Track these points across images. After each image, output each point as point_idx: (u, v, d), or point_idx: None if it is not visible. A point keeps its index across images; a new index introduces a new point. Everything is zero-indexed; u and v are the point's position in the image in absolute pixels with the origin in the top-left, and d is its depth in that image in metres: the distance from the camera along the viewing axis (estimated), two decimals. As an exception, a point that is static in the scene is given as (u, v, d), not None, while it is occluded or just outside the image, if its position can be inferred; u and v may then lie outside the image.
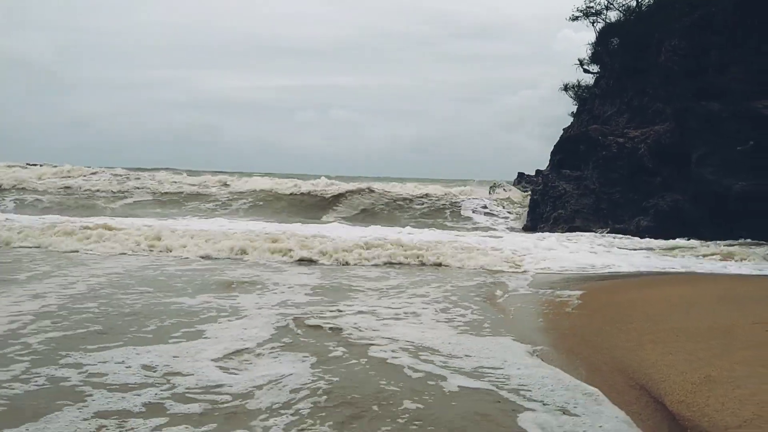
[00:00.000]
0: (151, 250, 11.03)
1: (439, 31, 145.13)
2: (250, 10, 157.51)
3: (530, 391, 3.82)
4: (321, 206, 23.35)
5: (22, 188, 24.16)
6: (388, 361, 4.34)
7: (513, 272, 10.11)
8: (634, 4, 23.07)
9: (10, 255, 9.99)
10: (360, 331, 5.31)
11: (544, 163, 24.51)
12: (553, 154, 22.80)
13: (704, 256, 11.87)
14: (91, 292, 6.79)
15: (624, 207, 16.88)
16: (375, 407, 3.29)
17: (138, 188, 24.92)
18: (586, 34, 35.19)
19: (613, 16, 23.75)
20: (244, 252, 10.93)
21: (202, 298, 6.64)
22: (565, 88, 26.38)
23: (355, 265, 10.41)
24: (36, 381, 3.58)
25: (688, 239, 14.17)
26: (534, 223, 19.51)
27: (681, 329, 5.15)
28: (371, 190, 25.01)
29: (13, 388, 3.43)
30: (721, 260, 11.31)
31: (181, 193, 24.83)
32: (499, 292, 8.20)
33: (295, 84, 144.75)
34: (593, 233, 16.31)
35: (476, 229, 19.77)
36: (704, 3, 17.09)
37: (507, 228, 20.46)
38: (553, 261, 10.95)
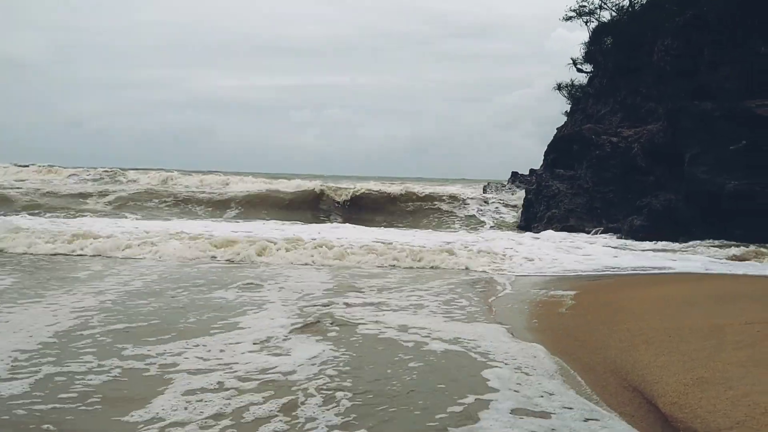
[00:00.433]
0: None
1: (435, 31, 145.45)
2: (246, 10, 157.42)
3: (495, 355, 4.93)
4: (308, 205, 23.16)
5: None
6: (385, 337, 5.53)
7: (499, 273, 10.07)
8: (626, 3, 23.15)
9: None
10: (366, 317, 6.24)
11: (538, 162, 24.57)
12: (546, 153, 22.84)
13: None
14: (146, 287, 7.67)
15: (617, 206, 16.92)
16: (383, 366, 4.58)
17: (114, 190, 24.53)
18: (580, 34, 35.38)
19: (606, 15, 23.84)
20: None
21: (235, 293, 7.47)
22: (559, 87, 26.45)
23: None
24: (126, 368, 4.26)
25: (679, 240, 14.23)
26: (528, 223, 19.53)
27: (673, 329, 5.16)
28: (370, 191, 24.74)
29: (113, 377, 4.07)
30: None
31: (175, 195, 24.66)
32: (486, 293, 8.21)
33: (292, 83, 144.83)
34: (585, 234, 16.36)
35: (469, 228, 19.78)
36: (696, 2, 17.14)
37: (494, 228, 20.48)
38: (541, 262, 10.98)
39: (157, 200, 22.64)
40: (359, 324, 5.91)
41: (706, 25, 16.32)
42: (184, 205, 22.36)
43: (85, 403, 3.54)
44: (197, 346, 4.89)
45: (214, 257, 10.67)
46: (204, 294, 7.30)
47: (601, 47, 22.82)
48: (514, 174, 31.19)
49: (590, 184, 17.92)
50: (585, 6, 24.08)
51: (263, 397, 3.73)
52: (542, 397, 3.97)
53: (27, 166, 30.51)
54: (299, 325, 5.70)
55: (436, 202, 24.12)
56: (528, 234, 17.70)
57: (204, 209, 21.86)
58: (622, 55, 20.40)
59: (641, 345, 4.88)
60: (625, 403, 4.06)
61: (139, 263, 9.90)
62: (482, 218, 22.46)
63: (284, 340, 5.18)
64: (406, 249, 11.40)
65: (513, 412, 3.68)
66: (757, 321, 5.06)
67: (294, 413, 3.48)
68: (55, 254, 10.52)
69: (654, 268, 10.38)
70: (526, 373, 4.46)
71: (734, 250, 12.31)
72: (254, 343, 5.01)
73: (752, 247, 12.54)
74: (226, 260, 10.48)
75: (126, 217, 18.29)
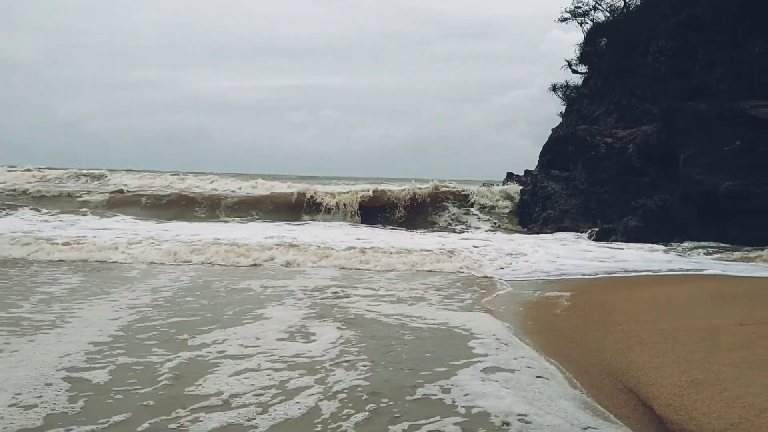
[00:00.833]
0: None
1: (430, 31, 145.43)
2: (243, 11, 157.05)
3: (478, 330, 5.98)
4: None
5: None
6: (388, 322, 6.39)
7: (492, 274, 10.09)
8: (621, 4, 23.23)
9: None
10: (370, 306, 7.16)
11: (533, 163, 24.58)
12: (542, 154, 22.89)
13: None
14: (193, 282, 8.61)
15: (613, 207, 16.96)
16: (391, 342, 5.58)
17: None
18: (575, 35, 35.47)
19: (601, 16, 23.92)
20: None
21: (261, 283, 8.55)
22: (554, 88, 26.47)
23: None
24: (189, 353, 4.94)
25: (676, 241, 14.28)
26: (523, 224, 19.56)
27: (668, 330, 5.18)
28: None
29: (176, 362, 4.67)
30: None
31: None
32: (479, 295, 8.23)
33: (287, 84, 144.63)
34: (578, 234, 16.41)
35: (461, 230, 19.77)
36: (691, 3, 17.21)
37: (490, 230, 20.45)
38: (536, 263, 11.02)
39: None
40: (367, 312, 6.81)
41: (702, 25, 16.39)
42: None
43: (157, 382, 4.14)
44: (235, 333, 5.67)
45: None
46: (238, 287, 8.25)
47: (595, 48, 22.89)
48: (510, 175, 31.16)
49: (585, 185, 17.96)
50: (580, 7, 24.17)
51: (298, 373, 4.51)
52: (515, 359, 4.97)
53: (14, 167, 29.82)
54: (317, 315, 6.57)
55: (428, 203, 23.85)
56: (524, 235, 17.76)
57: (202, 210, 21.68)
58: (617, 56, 20.46)
59: (636, 346, 4.90)
60: (620, 405, 4.08)
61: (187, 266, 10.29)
62: (477, 220, 22.40)
63: (308, 326, 6.07)
64: (403, 251, 11.45)
65: (484, 370, 4.67)
66: (751, 322, 5.08)
67: (326, 379, 4.37)
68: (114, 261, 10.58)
69: (649, 269, 10.41)
70: (506, 344, 5.47)
71: (729, 255, 12.37)
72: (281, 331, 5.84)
73: (745, 250, 12.61)
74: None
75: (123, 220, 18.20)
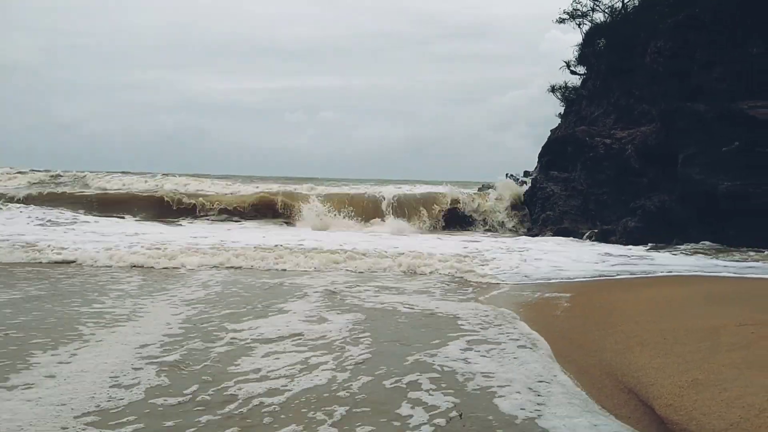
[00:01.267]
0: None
1: (429, 32, 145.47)
2: (240, 12, 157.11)
3: (470, 318, 6.81)
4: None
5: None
6: (389, 309, 7.41)
7: (491, 276, 10.08)
8: (619, 5, 23.24)
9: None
10: (374, 297, 8.13)
11: (532, 164, 24.59)
12: (540, 155, 22.87)
13: None
14: (232, 277, 9.54)
15: (612, 208, 16.96)
16: (389, 324, 6.57)
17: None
18: (574, 35, 35.46)
19: (599, 17, 23.93)
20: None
21: (278, 280, 9.37)
22: (552, 89, 26.47)
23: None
24: (231, 339, 5.72)
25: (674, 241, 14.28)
26: (522, 225, 19.58)
27: (668, 331, 5.18)
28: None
29: (225, 345, 5.47)
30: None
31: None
32: (477, 295, 8.25)
33: (286, 85, 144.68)
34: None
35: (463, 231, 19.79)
36: (689, 4, 17.22)
37: (489, 230, 20.47)
38: (535, 265, 11.03)
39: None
40: (370, 301, 7.84)
41: (702, 25, 16.40)
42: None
43: (211, 361, 4.95)
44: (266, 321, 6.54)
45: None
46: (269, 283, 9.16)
47: (593, 49, 22.89)
48: (509, 176, 31.18)
49: (584, 186, 17.97)
50: (578, 9, 24.17)
51: (320, 350, 5.36)
52: (501, 334, 5.99)
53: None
54: (329, 303, 7.53)
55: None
56: (523, 236, 17.78)
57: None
58: (615, 57, 20.46)
59: (636, 347, 4.90)
60: (620, 405, 4.08)
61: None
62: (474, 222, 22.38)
63: (323, 315, 6.85)
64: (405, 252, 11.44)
65: (469, 342, 5.67)
66: (750, 322, 5.09)
67: (340, 355, 5.18)
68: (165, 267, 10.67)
69: (648, 270, 10.42)
70: (490, 322, 6.50)
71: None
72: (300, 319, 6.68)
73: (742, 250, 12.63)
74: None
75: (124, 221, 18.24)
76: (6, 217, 17.33)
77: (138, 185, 24.78)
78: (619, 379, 4.43)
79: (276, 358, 5.05)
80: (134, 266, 10.36)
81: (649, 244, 14.28)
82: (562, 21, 24.77)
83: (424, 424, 3.63)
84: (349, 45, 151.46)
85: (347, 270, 10.49)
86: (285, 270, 10.41)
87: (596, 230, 16.25)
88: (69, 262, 10.51)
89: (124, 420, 3.44)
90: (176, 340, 5.58)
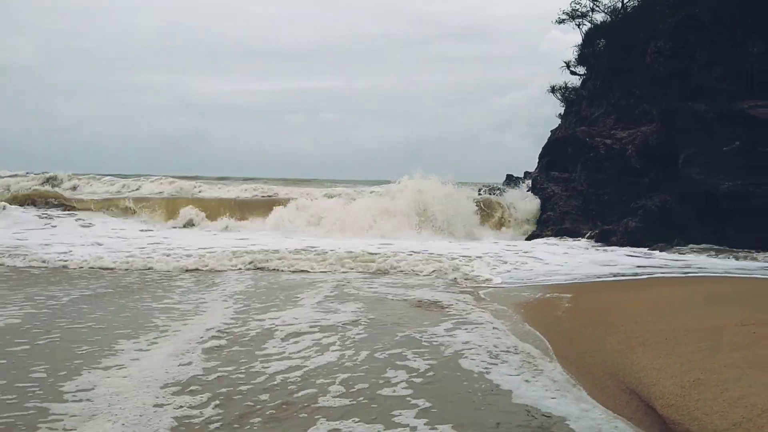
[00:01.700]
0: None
1: (428, 33, 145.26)
2: (238, 14, 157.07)
3: (458, 305, 7.81)
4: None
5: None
6: (389, 298, 8.37)
7: (491, 278, 10.08)
8: (619, 5, 23.25)
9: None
10: (377, 291, 8.96)
11: (532, 165, 24.60)
12: (541, 156, 22.89)
13: None
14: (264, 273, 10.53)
15: (612, 208, 16.96)
16: (388, 311, 7.47)
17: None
18: (574, 35, 35.48)
19: (598, 18, 23.94)
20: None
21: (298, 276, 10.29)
22: (552, 89, 26.50)
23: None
24: (257, 326, 6.55)
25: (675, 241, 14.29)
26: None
27: (670, 331, 5.18)
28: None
29: (255, 331, 6.32)
30: None
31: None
32: (475, 296, 8.25)
33: (284, 87, 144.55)
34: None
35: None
36: (689, 3, 17.22)
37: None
38: (535, 267, 11.02)
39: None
40: (371, 290, 8.88)
41: (702, 25, 16.39)
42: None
43: (244, 344, 5.80)
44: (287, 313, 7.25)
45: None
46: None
47: (593, 50, 22.91)
48: (509, 176, 31.20)
49: (585, 186, 17.97)
50: (577, 9, 24.20)
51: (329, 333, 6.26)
52: (479, 318, 6.89)
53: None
54: (338, 295, 8.45)
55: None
56: (522, 237, 17.78)
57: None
58: (615, 57, 20.47)
59: (638, 347, 4.91)
60: (623, 406, 4.09)
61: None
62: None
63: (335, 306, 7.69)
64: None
65: (454, 323, 6.59)
66: (752, 322, 5.09)
67: (345, 336, 6.06)
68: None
69: (648, 272, 10.41)
70: (473, 307, 7.50)
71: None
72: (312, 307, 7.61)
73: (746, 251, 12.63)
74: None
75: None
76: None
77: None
78: (621, 380, 4.43)
79: (296, 342, 5.85)
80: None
81: (649, 245, 14.29)
82: (561, 21, 24.82)
83: (403, 381, 4.70)
84: (349, 46, 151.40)
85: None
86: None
87: (597, 230, 16.25)
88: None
89: (193, 389, 4.44)
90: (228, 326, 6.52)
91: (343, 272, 10.48)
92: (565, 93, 25.95)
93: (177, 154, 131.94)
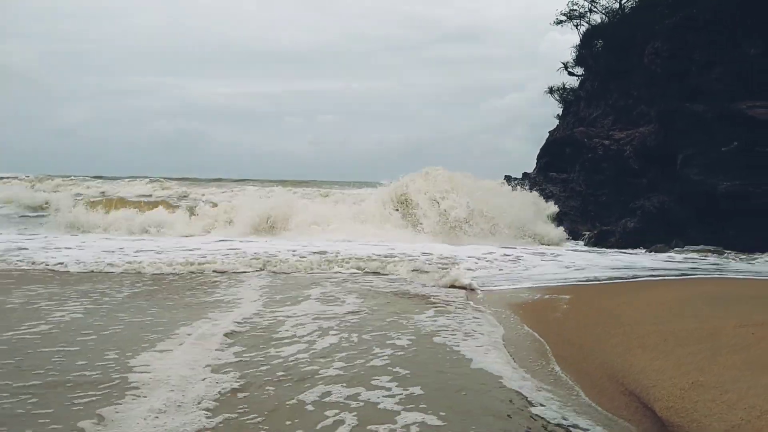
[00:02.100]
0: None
1: (426, 35, 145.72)
2: (236, 17, 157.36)
3: (442, 296, 8.41)
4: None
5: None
6: (387, 292, 8.79)
7: (490, 280, 10.06)
8: (617, 6, 23.27)
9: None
10: (377, 287, 9.27)
11: (530, 166, 24.63)
12: (539, 157, 22.92)
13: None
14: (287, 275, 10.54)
15: (611, 208, 16.95)
16: (385, 303, 7.97)
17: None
18: (572, 37, 35.49)
19: (596, 18, 23.96)
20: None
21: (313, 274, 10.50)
22: (551, 91, 26.52)
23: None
24: (274, 317, 7.01)
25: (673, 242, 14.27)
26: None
27: (669, 333, 5.15)
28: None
29: (271, 320, 6.80)
30: None
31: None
32: (472, 296, 8.23)
33: (282, 90, 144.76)
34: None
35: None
36: (687, 4, 17.22)
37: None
38: (533, 268, 10.97)
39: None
40: (373, 285, 9.30)
41: (700, 25, 16.39)
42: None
43: (262, 330, 6.39)
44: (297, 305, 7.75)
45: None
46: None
47: (591, 50, 22.92)
48: (508, 177, 31.20)
49: (583, 187, 17.97)
50: (575, 10, 24.22)
51: (334, 322, 6.78)
52: (458, 308, 7.51)
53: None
54: (343, 289, 8.94)
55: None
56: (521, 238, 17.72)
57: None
58: (613, 58, 20.49)
59: (637, 349, 4.87)
60: (621, 408, 4.05)
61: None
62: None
63: (340, 298, 8.20)
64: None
65: (436, 312, 7.22)
66: (750, 324, 5.05)
67: (348, 321, 6.71)
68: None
69: (647, 273, 10.39)
70: (455, 299, 8.07)
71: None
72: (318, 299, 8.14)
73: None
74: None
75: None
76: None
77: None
78: (620, 381, 4.40)
79: (302, 326, 6.53)
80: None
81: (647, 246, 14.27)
82: (559, 23, 24.86)
83: (385, 355, 5.41)
84: (348, 48, 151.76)
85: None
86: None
87: (595, 231, 16.22)
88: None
89: (227, 369, 5.05)
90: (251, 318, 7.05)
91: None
92: (563, 94, 25.97)
93: (176, 156, 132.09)
